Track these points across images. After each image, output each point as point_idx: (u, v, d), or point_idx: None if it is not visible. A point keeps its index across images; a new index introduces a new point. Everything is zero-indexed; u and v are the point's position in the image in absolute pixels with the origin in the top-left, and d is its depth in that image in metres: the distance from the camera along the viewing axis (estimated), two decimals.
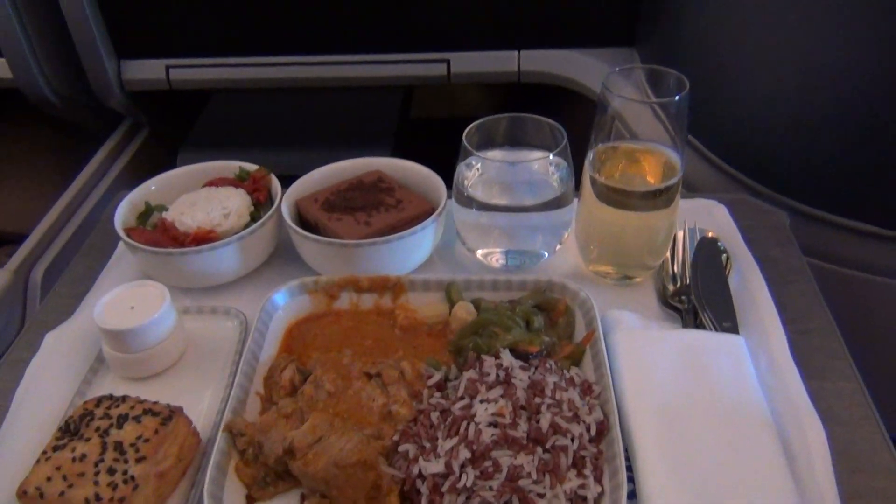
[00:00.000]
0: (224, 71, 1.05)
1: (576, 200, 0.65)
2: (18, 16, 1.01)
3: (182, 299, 0.65)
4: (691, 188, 0.85)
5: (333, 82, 1.05)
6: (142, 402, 0.50)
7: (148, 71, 1.06)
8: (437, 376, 0.53)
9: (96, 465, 0.46)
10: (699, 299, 0.59)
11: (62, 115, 1.19)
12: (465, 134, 0.63)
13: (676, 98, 0.56)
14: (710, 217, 0.70)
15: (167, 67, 1.05)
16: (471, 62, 1.01)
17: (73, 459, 0.47)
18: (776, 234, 0.70)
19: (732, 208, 0.71)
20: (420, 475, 0.46)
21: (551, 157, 0.62)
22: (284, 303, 0.60)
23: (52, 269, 0.96)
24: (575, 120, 1.02)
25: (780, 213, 0.72)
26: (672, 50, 0.90)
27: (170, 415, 0.49)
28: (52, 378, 0.57)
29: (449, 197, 0.66)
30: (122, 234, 0.64)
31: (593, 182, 0.61)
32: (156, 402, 0.50)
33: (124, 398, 0.51)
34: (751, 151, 0.82)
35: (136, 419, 0.48)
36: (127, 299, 0.58)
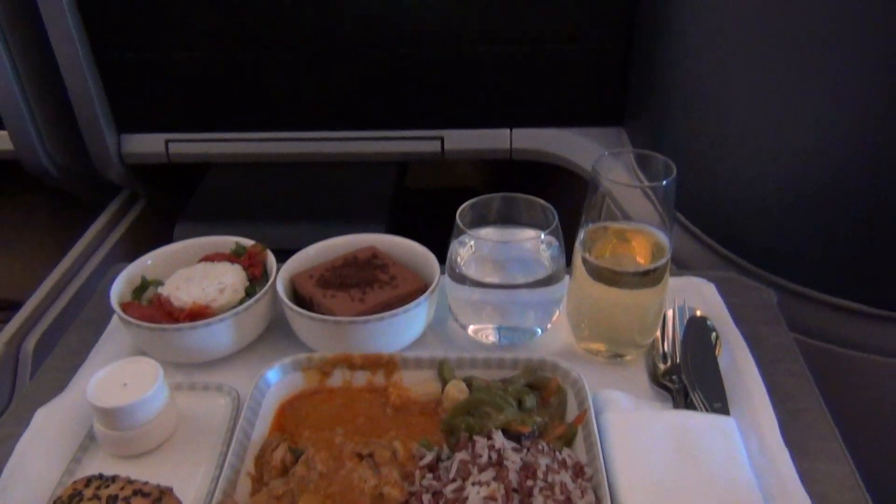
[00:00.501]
0: (222, 146, 1.07)
1: (567, 277, 0.66)
2: (22, 89, 1.03)
3: (175, 375, 0.65)
4: (680, 264, 0.87)
5: (330, 157, 1.07)
6: (132, 482, 0.50)
7: (147, 145, 1.08)
8: (429, 457, 0.52)
9: None
10: (689, 379, 0.59)
11: (60, 186, 1.20)
12: (458, 213, 0.65)
13: (664, 183, 0.58)
14: (699, 295, 0.71)
15: (166, 142, 1.07)
16: (464, 139, 1.04)
17: None
18: (764, 312, 0.70)
19: (720, 286, 0.72)
20: None
21: (543, 236, 0.64)
22: (277, 380, 0.60)
23: (45, 340, 0.96)
24: (565, 195, 1.04)
25: (768, 291, 0.73)
26: (659, 129, 0.93)
27: (160, 496, 0.49)
28: (42, 456, 0.57)
29: (442, 272, 0.67)
30: (117, 309, 0.64)
31: (584, 261, 0.63)
32: (146, 483, 0.50)
33: (114, 478, 0.50)
34: (737, 229, 0.84)
35: (126, 500, 0.48)
36: (120, 376, 0.58)
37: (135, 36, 1.00)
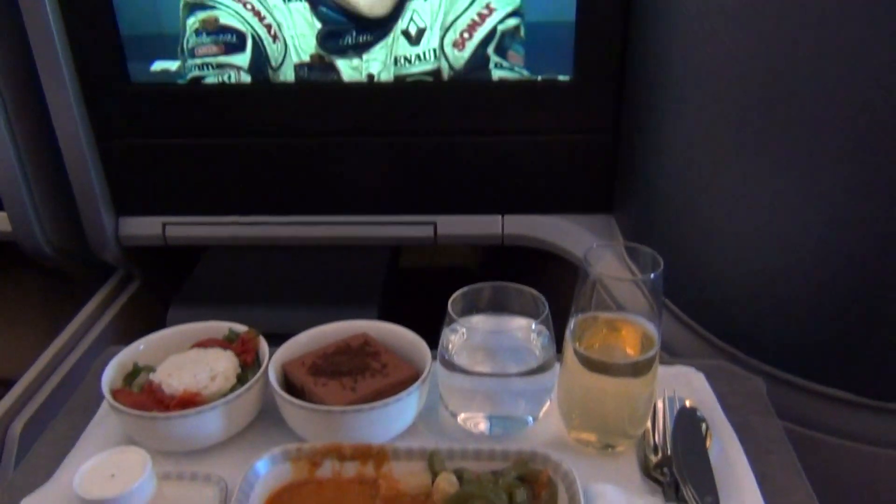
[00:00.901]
0: (218, 229, 1.09)
1: (557, 365, 0.67)
2: (24, 172, 1.06)
3: (163, 463, 0.64)
4: (670, 351, 0.87)
5: (323, 241, 1.09)
6: None
7: (145, 228, 1.10)
8: None
9: None
10: (680, 473, 0.59)
11: (55, 266, 1.21)
12: (450, 301, 0.66)
13: (651, 276, 0.59)
14: (688, 385, 0.71)
15: (163, 224, 1.09)
16: (457, 225, 1.06)
17: None
18: (754, 401, 0.71)
19: (710, 375, 0.73)
20: None
21: (534, 325, 0.65)
22: (266, 471, 0.60)
23: (33, 423, 0.95)
24: (555, 277, 1.06)
25: (758, 381, 0.74)
26: (647, 217, 0.95)
27: None
28: None
29: (433, 359, 0.67)
30: (108, 396, 0.64)
31: (574, 350, 0.63)
32: None
33: None
34: (725, 317, 0.85)
35: None
36: (108, 466, 0.57)
37: (137, 123, 1.03)
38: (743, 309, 0.83)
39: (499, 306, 0.68)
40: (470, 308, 0.67)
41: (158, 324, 1.11)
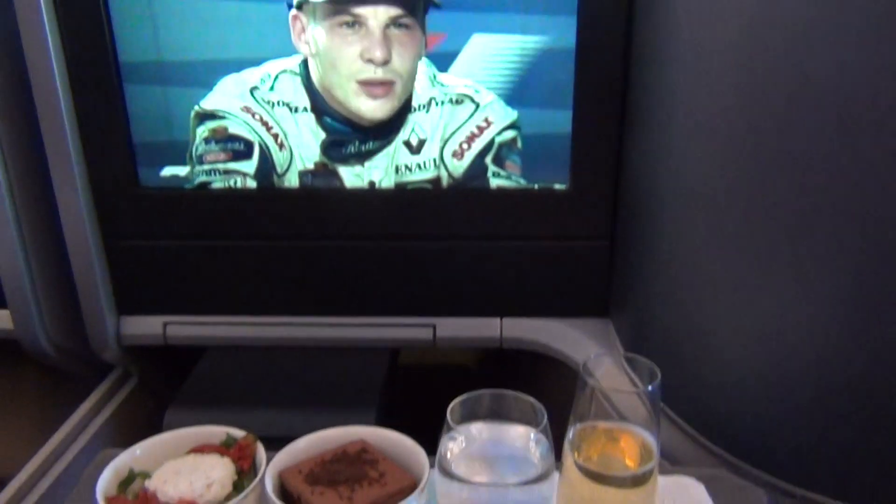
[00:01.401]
0: (218, 329, 1.10)
1: (556, 473, 0.66)
2: (29, 271, 1.07)
3: None
4: (669, 458, 0.86)
5: (323, 342, 1.09)
6: None
7: (146, 327, 1.11)
8: None
9: None
10: None
11: (53, 364, 1.21)
12: (448, 409, 0.66)
13: (650, 389, 0.60)
14: (688, 496, 0.71)
15: (164, 324, 1.10)
16: (456, 327, 1.07)
17: None
18: None
19: (710, 485, 0.72)
20: None
21: (532, 435, 0.65)
22: None
23: None
24: (553, 379, 1.06)
25: (758, 491, 0.73)
26: (644, 322, 0.96)
27: None
28: None
29: (431, 466, 0.67)
30: None
31: (573, 461, 0.63)
32: None
33: None
34: (725, 424, 0.85)
35: None
36: None
37: (144, 225, 1.06)
38: (743, 417, 0.83)
39: (498, 414, 0.68)
40: (469, 415, 0.67)
41: (155, 423, 1.11)
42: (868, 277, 0.70)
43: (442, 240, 1.04)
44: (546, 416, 0.65)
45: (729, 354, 0.83)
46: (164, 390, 1.22)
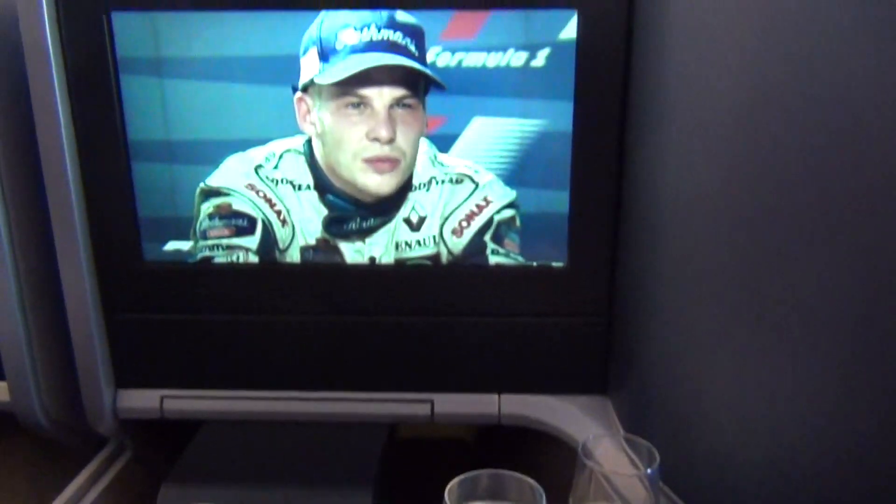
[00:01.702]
0: (215, 403, 1.09)
1: None
2: (29, 342, 1.07)
3: None
4: None
5: (320, 417, 1.09)
6: None
7: (142, 400, 1.10)
8: None
9: None
10: None
11: (46, 436, 1.20)
12: (447, 490, 0.66)
13: (648, 472, 0.60)
14: None
15: (161, 398, 1.10)
16: (454, 403, 1.07)
17: None
18: None
19: None
20: None
21: None
22: None
23: None
24: (551, 454, 1.05)
25: None
26: (642, 400, 0.96)
27: None
28: None
29: None
30: None
31: None
32: None
33: None
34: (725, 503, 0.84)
35: None
36: None
37: (146, 299, 1.07)
38: (745, 498, 0.82)
39: (496, 494, 0.68)
40: (467, 495, 0.67)
41: (149, 498, 1.09)
42: (877, 354, 0.70)
43: (441, 316, 1.05)
44: (544, 497, 0.65)
45: (730, 434, 0.83)
46: (159, 464, 1.21)
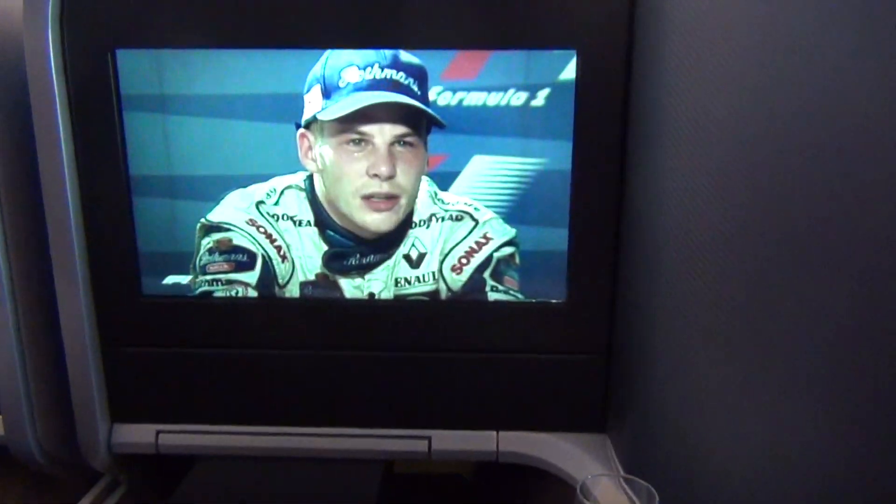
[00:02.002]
0: (211, 438, 1.09)
1: None
2: (25, 376, 1.07)
3: None
4: None
5: (316, 453, 1.08)
6: None
7: (137, 435, 1.10)
8: None
9: None
10: None
11: (39, 470, 1.19)
12: None
13: None
14: None
15: (157, 432, 1.09)
16: (452, 440, 1.06)
17: None
18: None
19: None
20: None
21: None
22: None
23: None
24: (550, 493, 1.04)
25: None
26: (642, 438, 0.96)
27: None
28: None
29: None
30: None
31: None
32: None
33: None
34: None
35: None
36: None
37: (144, 333, 1.06)
38: None
39: None
40: None
41: None
42: (884, 398, 0.70)
43: (439, 352, 1.05)
44: None
45: (731, 475, 0.82)
46: (154, 499, 1.19)
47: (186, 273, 1.03)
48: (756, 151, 0.74)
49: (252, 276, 1.02)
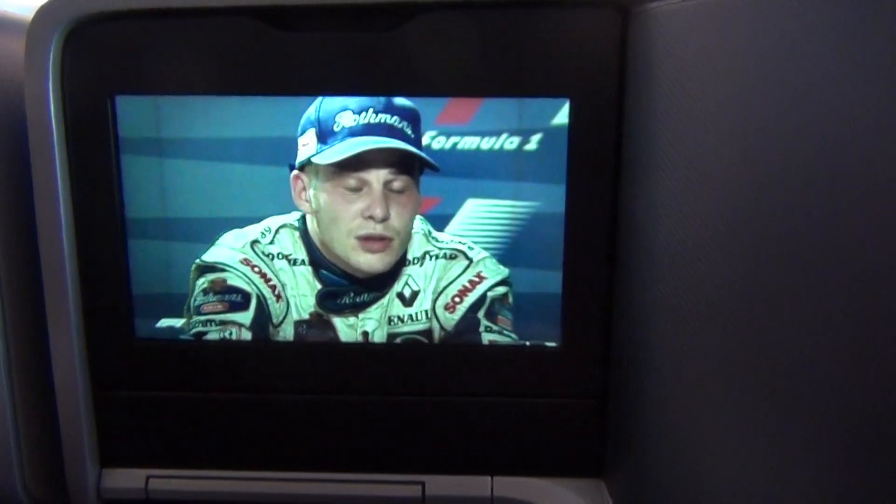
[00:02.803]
0: (201, 483, 1.07)
1: None
2: (15, 420, 1.06)
3: None
4: None
5: (308, 499, 1.07)
6: None
7: (127, 480, 1.08)
8: None
9: None
10: None
11: None
12: None
13: None
14: None
15: (147, 478, 1.07)
16: (446, 486, 1.05)
17: None
18: None
19: None
20: None
21: None
22: None
23: None
24: None
25: None
26: (638, 484, 0.95)
27: None
28: None
29: None
30: None
31: None
32: None
33: None
34: None
35: None
36: None
37: (136, 376, 1.06)
38: None
39: None
40: None
41: None
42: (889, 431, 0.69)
43: (433, 395, 1.04)
44: None
45: None
46: None
47: (180, 316, 1.03)
48: (749, 194, 0.74)
49: (246, 317, 1.02)
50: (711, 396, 0.82)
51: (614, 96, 0.93)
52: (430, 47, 0.94)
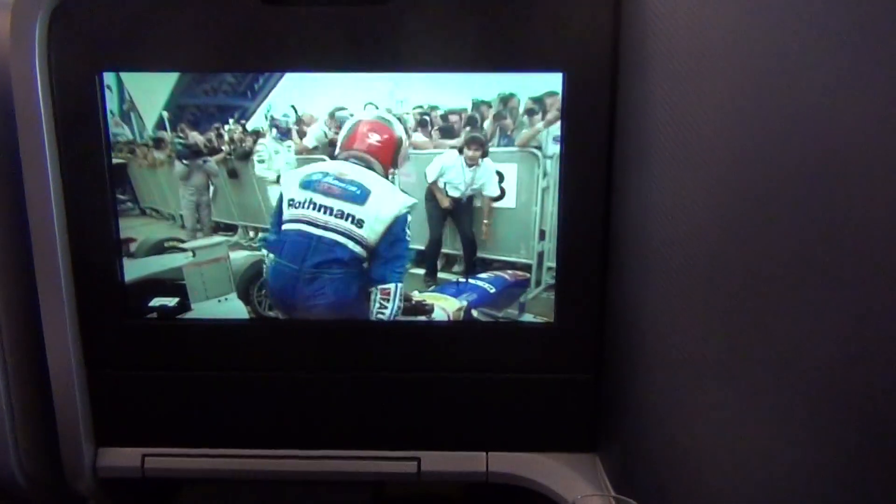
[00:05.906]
0: (198, 461, 1.08)
1: None
2: (9, 399, 1.05)
3: None
4: None
5: (304, 476, 1.07)
6: None
7: (123, 459, 1.08)
8: None
9: None
10: None
11: (21, 496, 1.17)
12: None
13: None
14: None
15: (143, 456, 1.07)
16: (441, 462, 1.06)
17: None
18: None
19: None
20: None
21: None
22: None
23: None
24: None
25: None
26: (631, 458, 0.95)
27: None
28: None
29: None
30: None
31: None
32: None
33: None
34: None
35: None
36: None
37: (130, 355, 1.06)
38: None
39: None
40: None
41: None
42: (884, 416, 0.69)
43: (429, 372, 1.04)
44: None
45: (720, 493, 0.82)
46: None
47: (173, 295, 1.03)
48: (744, 165, 0.74)
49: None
50: (702, 376, 0.82)
51: (608, 70, 0.92)
52: (422, 21, 0.93)
